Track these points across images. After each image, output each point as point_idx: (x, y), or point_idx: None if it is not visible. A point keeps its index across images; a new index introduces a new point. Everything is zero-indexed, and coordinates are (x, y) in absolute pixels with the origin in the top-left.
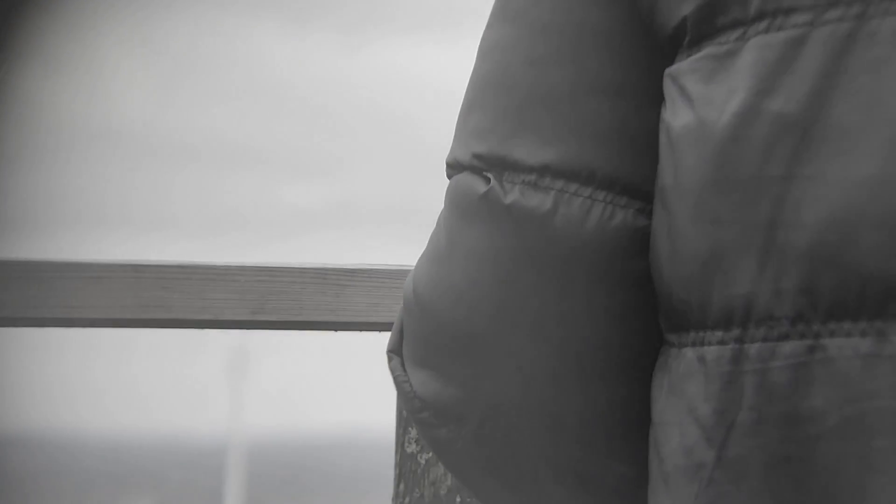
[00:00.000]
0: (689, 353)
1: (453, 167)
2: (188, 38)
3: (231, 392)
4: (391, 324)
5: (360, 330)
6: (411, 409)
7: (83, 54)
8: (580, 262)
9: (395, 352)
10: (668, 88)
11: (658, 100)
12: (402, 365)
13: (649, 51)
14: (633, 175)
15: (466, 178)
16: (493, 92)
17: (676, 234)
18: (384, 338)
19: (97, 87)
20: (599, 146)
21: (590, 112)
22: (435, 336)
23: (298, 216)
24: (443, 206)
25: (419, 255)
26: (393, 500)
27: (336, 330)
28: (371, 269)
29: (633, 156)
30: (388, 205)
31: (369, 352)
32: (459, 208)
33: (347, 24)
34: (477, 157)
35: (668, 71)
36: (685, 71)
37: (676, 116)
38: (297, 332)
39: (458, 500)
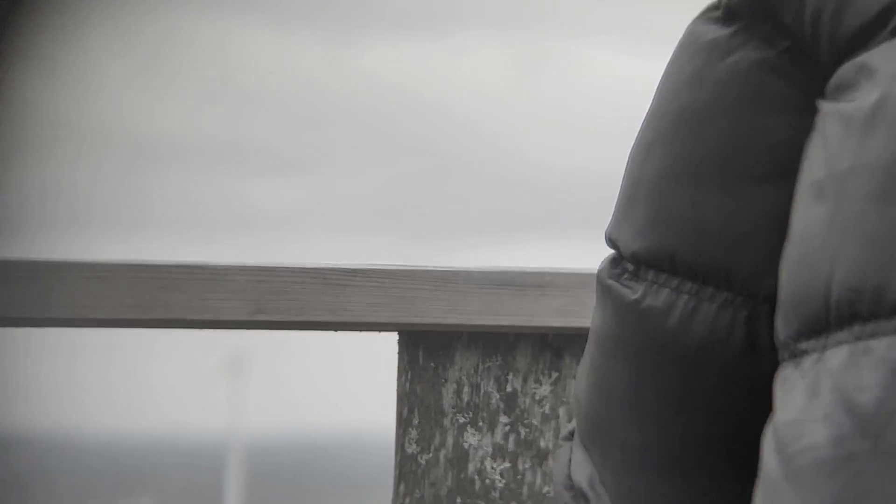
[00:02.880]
0: (845, 350)
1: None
2: (184, 41)
3: (231, 392)
4: (391, 324)
5: (360, 330)
6: (561, 486)
7: (79, 57)
8: (665, 352)
9: (572, 433)
10: (848, 76)
11: (758, 175)
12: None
13: (763, 117)
14: (720, 265)
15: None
16: (626, 170)
17: (849, 219)
18: (384, 338)
19: (95, 90)
20: (685, 236)
21: (677, 200)
22: (581, 415)
23: (295, 216)
24: None
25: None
26: (393, 500)
27: (336, 330)
28: (371, 270)
29: (721, 245)
30: (384, 204)
31: (369, 352)
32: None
33: (335, 23)
34: (606, 235)
35: (854, 62)
36: (880, 53)
37: (862, 99)
38: (297, 332)
39: (458, 500)
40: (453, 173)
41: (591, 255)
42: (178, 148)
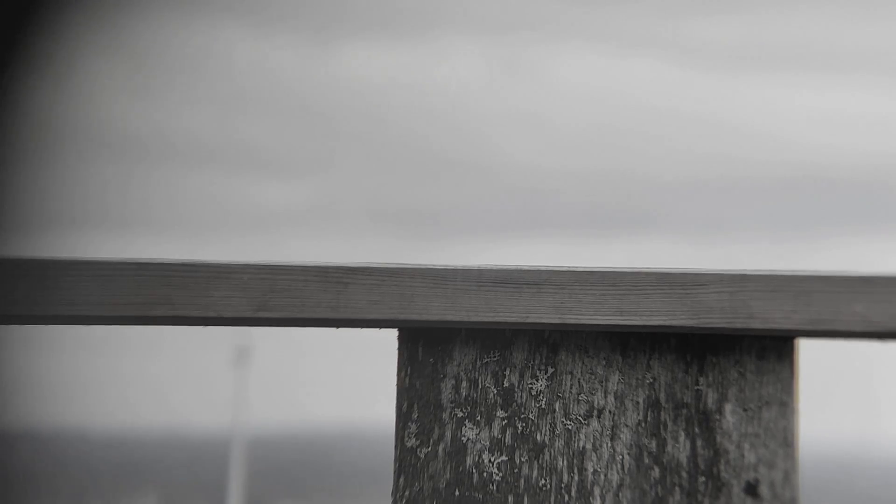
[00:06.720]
0: None
1: None
2: (179, 46)
3: (234, 387)
4: (391, 320)
5: (361, 326)
6: None
7: (77, 63)
8: None
9: None
10: None
11: None
12: None
13: None
14: None
15: None
16: None
17: None
18: (384, 334)
19: (96, 94)
20: None
21: None
22: None
23: (288, 215)
24: None
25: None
26: (393, 493)
27: (337, 326)
28: (371, 268)
29: None
30: (376, 203)
31: (370, 348)
32: None
33: (323, 28)
34: None
35: None
36: None
37: None
38: (300, 328)
39: (456, 493)
40: (449, 174)
41: (587, 252)
42: (177, 149)
